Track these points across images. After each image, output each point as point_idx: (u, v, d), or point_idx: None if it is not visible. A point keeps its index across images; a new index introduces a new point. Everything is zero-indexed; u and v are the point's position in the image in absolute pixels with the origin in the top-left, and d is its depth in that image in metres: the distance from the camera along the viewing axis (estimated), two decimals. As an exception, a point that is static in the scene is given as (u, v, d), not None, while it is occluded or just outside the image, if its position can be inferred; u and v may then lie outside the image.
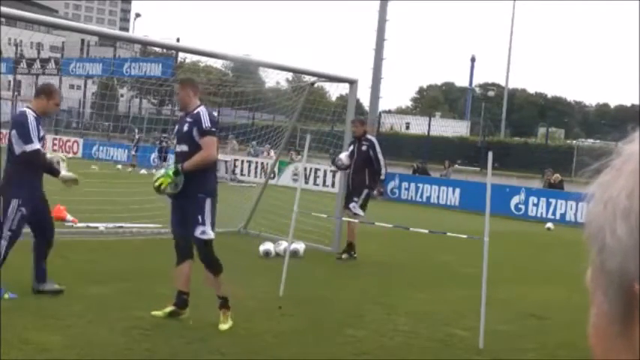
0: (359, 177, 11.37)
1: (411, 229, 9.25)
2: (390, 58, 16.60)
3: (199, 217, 6.55)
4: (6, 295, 6.85)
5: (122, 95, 47.90)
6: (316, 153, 21.73)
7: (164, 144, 27.04)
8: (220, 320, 6.59)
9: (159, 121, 33.84)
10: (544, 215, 21.99)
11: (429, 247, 12.60)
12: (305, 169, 21.59)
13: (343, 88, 13.29)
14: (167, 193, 6.74)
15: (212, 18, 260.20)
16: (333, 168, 14.78)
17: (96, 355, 5.59)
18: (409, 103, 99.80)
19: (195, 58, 21.69)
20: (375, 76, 20.22)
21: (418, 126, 38.43)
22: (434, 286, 9.64)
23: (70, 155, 26.90)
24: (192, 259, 6.81)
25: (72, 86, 54.40)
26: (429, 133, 32.78)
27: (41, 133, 7.08)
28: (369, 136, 11.76)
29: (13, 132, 7.01)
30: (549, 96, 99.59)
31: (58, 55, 47.34)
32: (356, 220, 10.85)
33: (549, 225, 20.15)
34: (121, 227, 11.90)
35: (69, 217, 12.15)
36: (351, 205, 11.22)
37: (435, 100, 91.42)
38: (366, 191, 11.37)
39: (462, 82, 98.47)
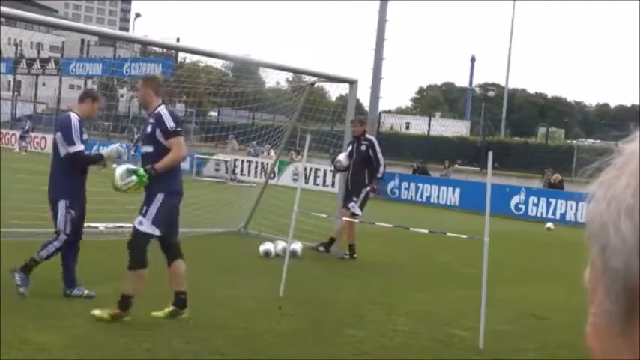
0: (358, 177, 11.37)
1: (411, 229, 9.25)
2: (390, 58, 16.56)
3: (144, 208, 6.57)
4: (85, 291, 7.20)
5: (122, 95, 47.82)
6: (316, 153, 21.73)
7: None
8: (102, 310, 6.41)
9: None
10: (544, 215, 22.00)
11: (429, 247, 12.59)
12: (305, 169, 21.61)
13: (343, 88, 13.29)
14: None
15: (212, 18, 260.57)
16: (332, 169, 14.77)
17: (96, 355, 5.59)
18: (409, 103, 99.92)
19: (195, 58, 21.66)
20: (375, 76, 20.15)
21: (418, 126, 38.43)
22: (434, 286, 9.64)
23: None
24: (181, 257, 6.79)
25: (72, 86, 54.30)
26: (429, 133, 32.79)
27: (84, 136, 7.31)
28: (368, 136, 11.77)
29: (58, 134, 7.30)
30: (549, 96, 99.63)
31: (58, 55, 47.29)
32: (356, 220, 10.85)
33: (549, 225, 20.15)
34: (121, 227, 11.88)
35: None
36: (350, 205, 11.22)
37: (435, 100, 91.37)
38: (365, 191, 11.37)
39: (462, 82, 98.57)
